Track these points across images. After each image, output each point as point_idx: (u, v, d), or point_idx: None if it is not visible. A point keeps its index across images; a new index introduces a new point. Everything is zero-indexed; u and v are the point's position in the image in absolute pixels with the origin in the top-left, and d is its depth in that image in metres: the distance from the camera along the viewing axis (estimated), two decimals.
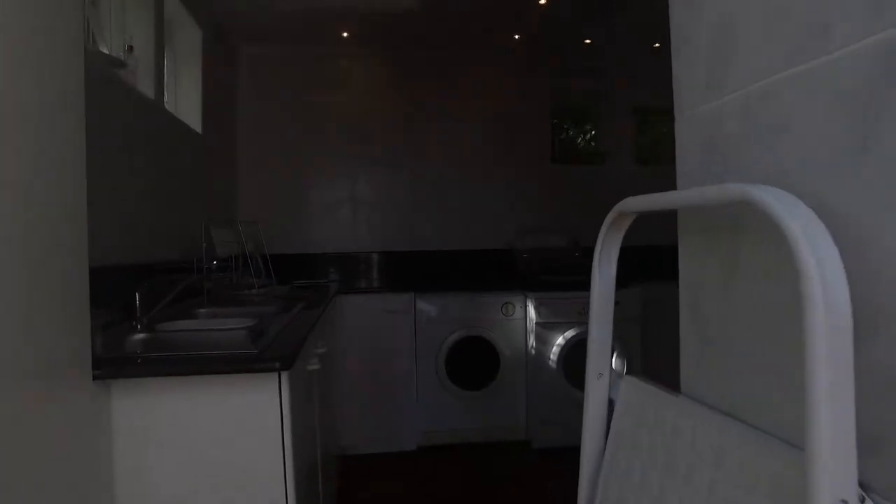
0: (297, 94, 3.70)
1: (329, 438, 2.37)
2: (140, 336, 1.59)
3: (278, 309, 2.22)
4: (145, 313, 1.74)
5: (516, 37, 3.67)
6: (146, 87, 2.23)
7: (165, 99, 2.73)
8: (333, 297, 2.90)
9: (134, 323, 1.70)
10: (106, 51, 2.00)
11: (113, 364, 1.17)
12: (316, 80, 3.73)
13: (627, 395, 0.76)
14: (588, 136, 4.43)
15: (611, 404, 0.80)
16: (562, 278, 3.43)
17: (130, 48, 2.05)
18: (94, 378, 1.09)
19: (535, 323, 3.16)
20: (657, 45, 3.93)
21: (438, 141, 3.85)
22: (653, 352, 2.99)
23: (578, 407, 2.98)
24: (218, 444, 1.24)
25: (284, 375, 1.25)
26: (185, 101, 2.88)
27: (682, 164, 0.74)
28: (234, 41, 3.57)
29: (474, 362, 3.18)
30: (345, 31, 3.55)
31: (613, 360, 3.03)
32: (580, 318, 3.13)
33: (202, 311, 2.20)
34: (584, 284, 3.14)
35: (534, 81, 3.98)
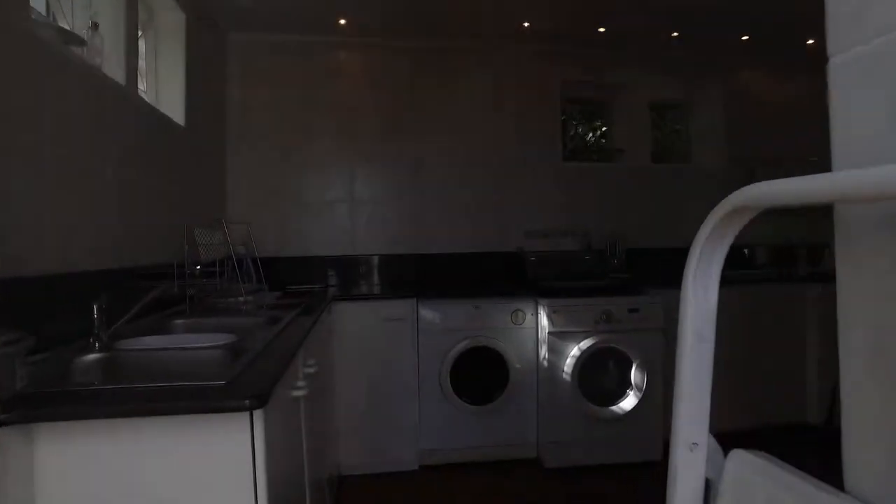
0: (291, 86, 3.47)
1: (321, 463, 2.13)
2: (92, 357, 1.34)
3: (266, 319, 2.02)
4: (105, 329, 1.50)
5: (525, 24, 3.43)
6: (116, 72, 1.98)
7: (143, 87, 2.49)
8: (329, 304, 2.67)
9: (92, 340, 1.46)
10: (67, 27, 1.75)
11: (33, 402, 0.91)
12: (312, 71, 3.50)
13: (741, 480, 0.51)
14: (598, 132, 4.19)
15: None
16: (576, 283, 3.20)
17: (95, 25, 1.80)
18: (2, 424, 0.84)
19: (548, 332, 2.91)
20: (675, 34, 3.70)
21: (442, 137, 3.62)
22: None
23: (594, 423, 2.71)
24: (175, 500, 1.00)
25: (258, 414, 1.01)
26: (166, 90, 2.65)
27: (846, 130, 0.47)
28: (222, 27, 3.33)
29: (481, 374, 2.96)
30: (343, 19, 3.32)
31: (633, 372, 2.74)
32: (596, 326, 2.91)
33: (179, 322, 1.97)
34: (600, 290, 2.87)
35: (543, 73, 3.75)
